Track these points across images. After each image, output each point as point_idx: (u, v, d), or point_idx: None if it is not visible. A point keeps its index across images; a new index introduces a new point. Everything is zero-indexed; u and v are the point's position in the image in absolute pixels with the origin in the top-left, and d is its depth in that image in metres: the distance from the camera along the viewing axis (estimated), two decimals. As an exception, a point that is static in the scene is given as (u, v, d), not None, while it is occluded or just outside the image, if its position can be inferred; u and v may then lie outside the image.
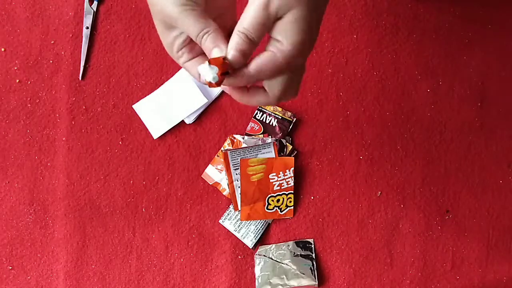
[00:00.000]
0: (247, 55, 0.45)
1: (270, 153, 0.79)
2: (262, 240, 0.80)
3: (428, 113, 0.82)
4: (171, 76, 0.80)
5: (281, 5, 0.43)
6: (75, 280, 0.80)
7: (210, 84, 0.45)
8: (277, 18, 0.44)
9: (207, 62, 0.44)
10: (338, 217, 0.81)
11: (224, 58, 0.44)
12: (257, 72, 0.45)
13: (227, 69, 0.44)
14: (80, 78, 0.80)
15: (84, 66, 0.80)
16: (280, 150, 0.79)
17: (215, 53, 0.45)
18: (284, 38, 0.44)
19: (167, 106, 0.80)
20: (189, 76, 0.79)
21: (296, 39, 0.44)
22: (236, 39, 0.44)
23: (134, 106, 0.80)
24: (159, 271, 0.80)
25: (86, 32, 0.80)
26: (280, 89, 0.47)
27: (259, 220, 0.79)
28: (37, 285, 0.80)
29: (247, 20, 0.44)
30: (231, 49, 0.44)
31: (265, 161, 0.79)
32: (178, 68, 0.80)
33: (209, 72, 0.44)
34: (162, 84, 0.80)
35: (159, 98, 0.80)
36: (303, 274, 0.79)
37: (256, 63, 0.45)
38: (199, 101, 0.79)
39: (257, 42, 0.45)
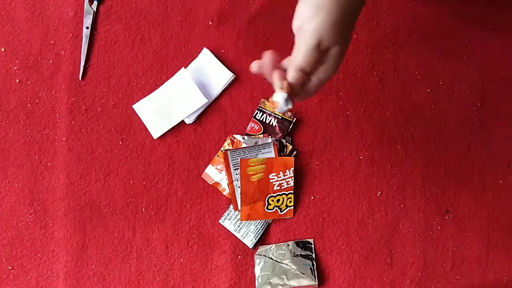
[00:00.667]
0: (302, 84, 0.55)
1: (270, 153, 0.79)
2: (262, 240, 0.80)
3: (428, 113, 0.82)
4: (171, 76, 0.80)
5: (330, 43, 0.53)
6: (75, 280, 0.80)
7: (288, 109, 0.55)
8: (326, 51, 0.54)
9: (280, 92, 0.54)
10: (338, 217, 0.81)
11: (289, 85, 0.54)
12: (308, 95, 0.57)
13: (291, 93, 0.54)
14: (80, 78, 0.80)
15: (84, 66, 0.80)
16: (280, 150, 0.79)
17: (276, 85, 0.56)
18: (330, 67, 0.55)
19: (167, 106, 0.80)
20: (189, 76, 0.79)
21: (337, 65, 0.55)
22: (295, 75, 0.54)
23: (134, 106, 0.80)
24: (159, 271, 0.80)
25: (86, 32, 0.80)
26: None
27: (259, 220, 0.80)
28: (37, 285, 0.80)
29: (302, 58, 0.53)
30: (292, 82, 0.54)
31: (265, 161, 0.79)
32: (178, 68, 0.80)
33: (284, 100, 0.54)
34: (162, 84, 0.80)
35: (159, 98, 0.80)
36: (303, 274, 0.79)
37: (308, 91, 0.56)
38: (199, 101, 0.79)
39: (310, 72, 0.55)
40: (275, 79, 0.55)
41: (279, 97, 0.54)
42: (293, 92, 0.54)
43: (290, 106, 0.54)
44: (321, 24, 0.52)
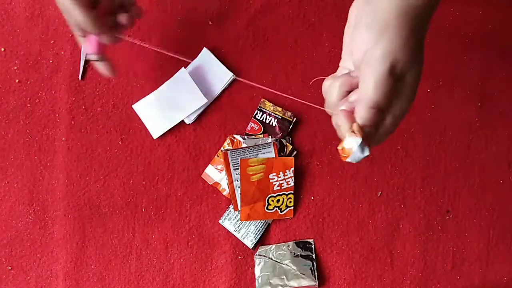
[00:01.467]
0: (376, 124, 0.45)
1: (270, 153, 0.79)
2: (262, 241, 0.80)
3: (428, 113, 0.82)
4: (171, 76, 0.80)
5: (405, 66, 0.43)
6: (75, 280, 0.80)
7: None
8: (401, 78, 0.44)
9: (352, 137, 0.43)
10: (338, 217, 0.81)
11: (361, 128, 0.44)
12: (383, 137, 0.47)
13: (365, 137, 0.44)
14: (80, 78, 0.80)
15: (84, 66, 0.80)
16: (280, 150, 0.79)
17: (346, 134, 0.45)
18: (407, 97, 0.45)
19: (167, 106, 0.80)
20: (189, 75, 0.79)
21: (414, 94, 0.46)
22: (368, 114, 0.43)
23: (133, 106, 0.80)
24: (159, 271, 0.80)
25: (86, 32, 0.80)
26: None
27: (259, 220, 0.79)
28: (36, 285, 0.80)
29: (374, 91, 0.43)
30: (368, 126, 0.44)
31: (265, 161, 0.79)
32: (178, 68, 0.80)
33: (358, 146, 0.43)
34: (162, 84, 0.80)
35: (159, 98, 0.80)
36: (303, 274, 0.79)
37: (383, 132, 0.46)
38: (199, 101, 0.79)
39: (385, 108, 0.44)
40: (342, 120, 0.45)
41: (352, 143, 0.43)
42: (366, 136, 0.44)
43: (367, 154, 0.44)
44: (392, 44, 0.43)
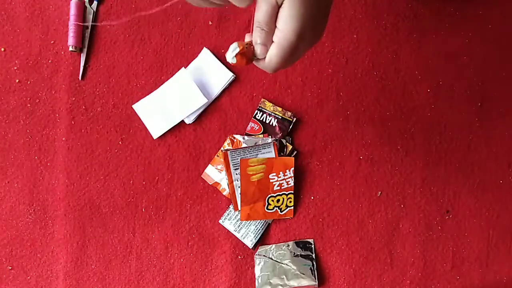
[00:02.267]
0: (267, 44, 0.50)
1: (270, 153, 0.79)
2: (262, 240, 0.80)
3: (428, 113, 0.82)
4: (171, 76, 0.80)
5: (309, 32, 0.47)
6: (75, 280, 0.80)
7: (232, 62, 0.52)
8: (279, 7, 0.47)
9: (236, 42, 0.51)
10: (338, 217, 0.81)
11: (249, 44, 0.51)
12: (271, 63, 0.51)
13: (251, 55, 0.52)
14: (80, 78, 0.80)
15: (84, 66, 0.80)
16: (280, 150, 0.79)
17: (246, 38, 0.52)
18: (283, 25, 0.48)
19: (167, 106, 0.80)
20: (189, 75, 0.79)
21: (293, 26, 0.47)
22: (256, 33, 0.49)
23: (134, 106, 0.80)
24: (159, 271, 0.80)
25: (86, 32, 0.80)
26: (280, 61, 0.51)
27: (259, 220, 0.79)
28: (36, 285, 0.80)
29: (259, 14, 0.48)
30: (255, 43, 0.50)
31: (265, 161, 0.79)
32: (178, 68, 0.80)
33: (230, 52, 0.52)
34: (162, 84, 0.80)
35: (159, 98, 0.80)
36: (303, 274, 0.79)
37: (269, 56, 0.50)
38: (199, 101, 0.79)
39: (271, 31, 0.49)
40: (247, 35, 0.52)
41: (232, 46, 0.52)
42: (251, 51, 0.51)
43: (233, 56, 0.52)
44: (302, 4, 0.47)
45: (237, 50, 0.51)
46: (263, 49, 0.50)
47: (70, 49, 0.79)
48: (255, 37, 0.50)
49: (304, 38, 0.49)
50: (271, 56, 0.50)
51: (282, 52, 0.49)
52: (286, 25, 0.48)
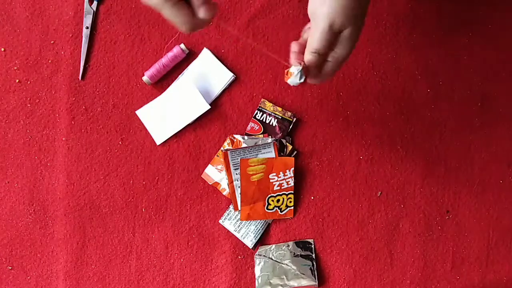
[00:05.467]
0: (319, 65, 0.60)
1: (270, 153, 0.79)
2: (262, 240, 0.80)
3: (428, 113, 0.82)
4: (171, 77, 0.80)
5: (341, 25, 0.56)
6: (75, 280, 0.80)
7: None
8: (339, 33, 0.57)
9: (295, 67, 0.59)
10: (338, 217, 0.81)
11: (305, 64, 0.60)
12: (325, 77, 0.62)
13: (307, 74, 0.60)
14: (80, 78, 0.80)
15: (84, 66, 0.80)
16: (280, 150, 0.79)
17: (291, 57, 0.62)
18: (344, 48, 0.58)
19: (170, 113, 0.80)
20: (193, 83, 0.79)
21: (351, 47, 0.59)
22: (311, 57, 0.59)
23: (137, 112, 0.80)
24: (159, 271, 0.80)
25: (86, 32, 0.80)
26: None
27: (259, 220, 0.79)
28: (36, 285, 0.80)
29: (316, 41, 0.57)
30: (309, 64, 0.59)
31: (265, 161, 0.79)
32: (178, 68, 0.80)
33: (295, 76, 0.59)
34: (161, 84, 0.80)
35: (162, 104, 0.80)
36: (303, 274, 0.79)
37: (325, 73, 0.61)
38: (202, 108, 0.79)
39: (326, 55, 0.59)
40: (292, 58, 0.61)
41: (293, 69, 0.59)
42: (306, 69, 0.59)
43: (302, 80, 0.59)
44: (332, 8, 0.56)
45: (302, 72, 0.58)
46: (317, 70, 0.60)
47: (144, 79, 0.79)
48: (310, 60, 0.59)
49: None
50: (326, 72, 0.60)
51: (338, 68, 0.60)
52: (345, 48, 0.58)
